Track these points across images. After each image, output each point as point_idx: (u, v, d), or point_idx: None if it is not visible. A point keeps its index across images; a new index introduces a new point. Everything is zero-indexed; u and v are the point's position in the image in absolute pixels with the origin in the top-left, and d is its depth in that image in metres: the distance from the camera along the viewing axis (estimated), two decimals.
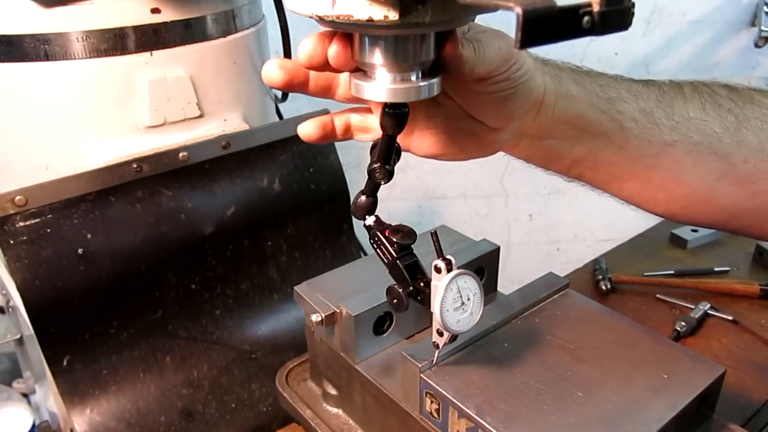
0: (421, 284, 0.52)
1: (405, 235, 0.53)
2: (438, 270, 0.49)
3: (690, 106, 0.58)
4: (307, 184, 0.89)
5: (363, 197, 0.54)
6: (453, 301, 0.49)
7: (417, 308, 0.66)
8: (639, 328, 0.61)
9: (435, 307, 0.48)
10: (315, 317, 0.62)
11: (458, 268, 0.49)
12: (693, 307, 0.95)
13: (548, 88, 0.55)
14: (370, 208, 0.55)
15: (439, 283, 0.48)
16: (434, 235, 0.50)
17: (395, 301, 0.53)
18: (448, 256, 0.49)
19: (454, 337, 0.49)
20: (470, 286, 0.49)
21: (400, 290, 0.52)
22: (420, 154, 0.58)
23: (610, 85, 0.58)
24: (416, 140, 0.57)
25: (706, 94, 0.59)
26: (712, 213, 0.62)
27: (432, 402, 0.55)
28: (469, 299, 0.49)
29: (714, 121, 0.58)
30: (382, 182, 0.53)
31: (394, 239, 0.52)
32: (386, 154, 0.52)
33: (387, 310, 0.64)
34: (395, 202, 1.90)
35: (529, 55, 0.55)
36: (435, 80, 0.48)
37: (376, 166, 0.52)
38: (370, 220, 0.54)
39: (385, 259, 0.53)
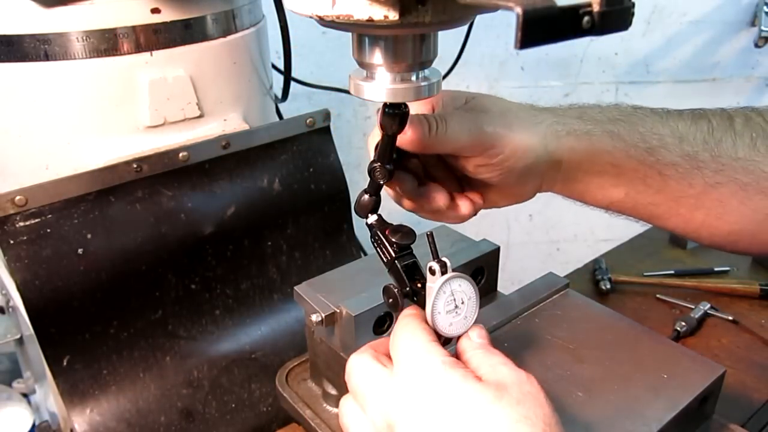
0: (418, 285, 0.51)
1: (404, 235, 0.53)
2: (432, 272, 0.48)
3: (740, 143, 0.57)
4: (307, 184, 0.89)
5: (366, 196, 0.55)
6: (446, 304, 0.48)
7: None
8: (639, 328, 0.61)
9: (427, 309, 0.48)
10: (315, 317, 0.62)
11: (455, 270, 0.49)
12: (693, 307, 0.95)
13: (571, 149, 0.55)
14: (373, 207, 0.55)
15: (432, 285, 0.48)
16: (430, 236, 0.50)
17: (390, 300, 0.53)
18: (444, 258, 0.49)
19: (447, 340, 0.49)
20: (464, 289, 0.49)
21: (396, 290, 0.52)
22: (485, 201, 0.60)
23: (654, 129, 0.57)
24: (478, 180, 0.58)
25: (758, 127, 0.57)
26: (759, 246, 0.61)
27: None
28: (463, 303, 0.49)
29: (764, 159, 0.56)
30: (382, 182, 0.53)
31: (393, 239, 0.52)
32: (386, 154, 0.52)
33: (387, 310, 0.64)
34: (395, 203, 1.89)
35: (545, 117, 0.56)
36: (435, 80, 0.48)
37: (376, 165, 0.53)
38: (372, 218, 0.54)
39: (384, 258, 0.53)
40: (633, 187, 0.58)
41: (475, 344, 0.48)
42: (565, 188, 0.59)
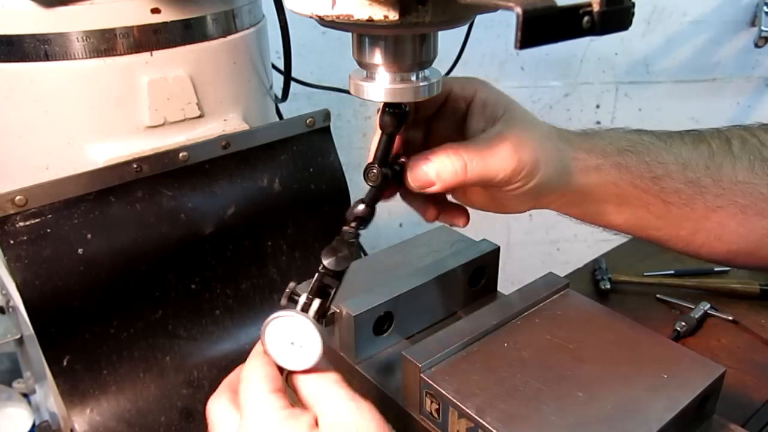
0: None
1: (338, 260, 0.53)
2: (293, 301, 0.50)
3: (738, 167, 0.58)
4: (307, 184, 0.89)
5: (361, 206, 0.53)
6: (279, 342, 0.49)
7: (417, 308, 0.66)
8: (639, 328, 0.61)
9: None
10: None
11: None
12: (693, 307, 0.94)
13: (583, 185, 0.56)
14: (364, 218, 0.53)
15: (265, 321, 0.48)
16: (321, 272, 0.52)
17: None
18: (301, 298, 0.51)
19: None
20: (298, 326, 0.49)
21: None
22: (469, 206, 0.61)
23: (659, 158, 0.58)
24: (465, 197, 0.60)
25: (755, 149, 0.58)
26: (756, 262, 0.63)
27: (432, 402, 0.55)
28: (297, 339, 0.49)
29: (761, 181, 0.58)
30: (373, 184, 0.52)
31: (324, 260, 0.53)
32: (383, 155, 0.52)
33: (387, 310, 0.64)
34: (395, 202, 1.90)
35: (569, 152, 0.56)
36: (435, 80, 0.48)
37: (372, 166, 0.52)
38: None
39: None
40: (635, 214, 0.59)
41: (313, 382, 0.48)
42: (569, 209, 0.60)
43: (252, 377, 0.48)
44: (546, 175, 0.54)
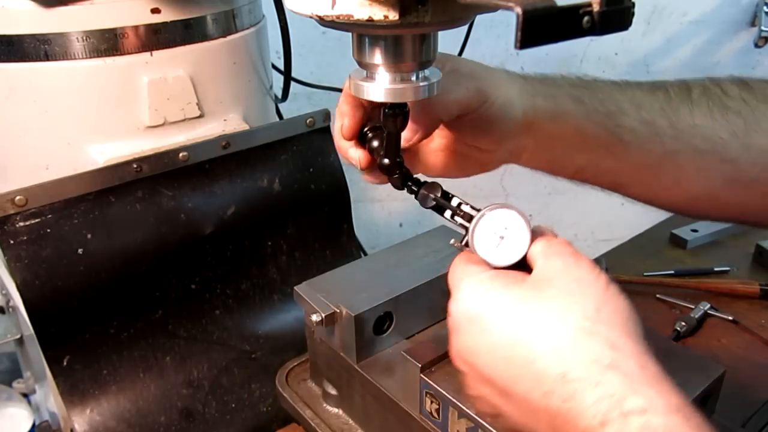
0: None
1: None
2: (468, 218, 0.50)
3: (697, 112, 0.57)
4: (307, 184, 0.89)
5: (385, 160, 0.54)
6: (488, 240, 0.48)
7: (417, 308, 0.66)
8: None
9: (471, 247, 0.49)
10: (315, 317, 0.62)
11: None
12: (693, 307, 0.94)
13: (539, 109, 0.56)
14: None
15: (469, 226, 0.49)
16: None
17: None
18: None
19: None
20: (505, 218, 0.48)
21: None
22: (427, 174, 0.60)
23: (613, 96, 0.58)
24: (422, 164, 0.60)
25: (715, 97, 0.58)
26: (719, 211, 0.63)
27: (432, 402, 0.55)
28: (506, 229, 0.48)
29: (721, 127, 0.57)
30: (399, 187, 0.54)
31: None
32: (391, 151, 0.53)
33: (387, 310, 0.64)
34: (395, 202, 1.90)
35: (517, 79, 0.56)
36: (435, 80, 0.48)
37: (385, 161, 0.53)
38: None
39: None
40: (596, 154, 0.58)
41: (536, 244, 0.47)
42: (534, 157, 0.59)
43: (455, 264, 0.48)
44: (501, 101, 0.53)
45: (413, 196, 0.55)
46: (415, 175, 0.56)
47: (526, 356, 0.40)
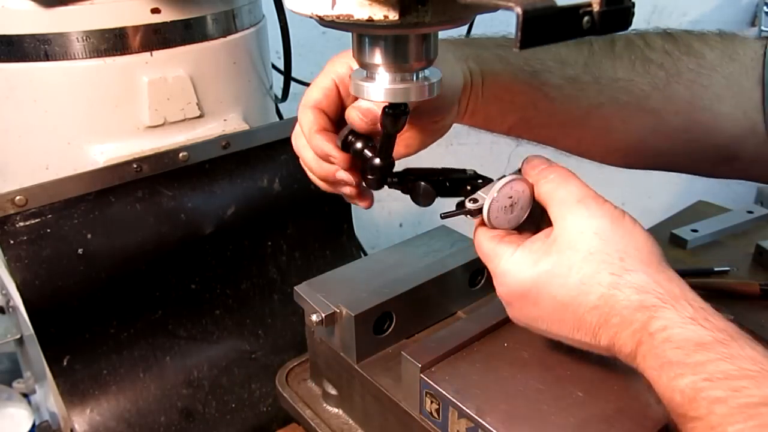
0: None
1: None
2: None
3: (619, 65, 0.60)
4: (307, 184, 0.88)
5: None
6: (501, 209, 0.52)
7: (417, 308, 0.66)
8: None
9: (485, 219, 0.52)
10: (315, 317, 0.62)
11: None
12: None
13: (473, 72, 0.57)
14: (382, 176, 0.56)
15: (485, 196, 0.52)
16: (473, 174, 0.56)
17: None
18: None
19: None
20: (515, 188, 0.52)
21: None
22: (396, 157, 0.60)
23: (536, 54, 0.60)
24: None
25: (638, 50, 0.60)
26: (647, 160, 0.66)
27: (432, 402, 0.55)
28: (517, 201, 0.52)
29: (642, 79, 0.60)
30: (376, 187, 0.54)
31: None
32: (385, 151, 0.53)
33: (387, 310, 0.64)
34: (395, 202, 1.90)
35: (448, 46, 0.57)
36: (435, 80, 0.48)
37: (377, 162, 0.53)
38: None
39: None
40: (525, 112, 0.61)
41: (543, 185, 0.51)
42: (472, 116, 0.61)
43: (489, 244, 0.52)
44: (448, 74, 0.53)
45: (401, 191, 0.55)
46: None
47: (575, 316, 0.48)
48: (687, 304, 0.47)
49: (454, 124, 0.61)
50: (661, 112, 0.60)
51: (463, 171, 0.56)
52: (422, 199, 0.56)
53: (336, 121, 0.56)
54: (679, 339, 0.44)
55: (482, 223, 0.53)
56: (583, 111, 0.60)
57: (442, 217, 0.56)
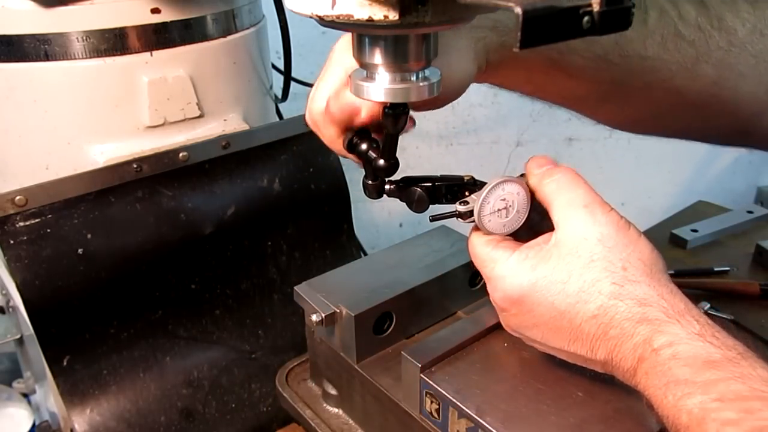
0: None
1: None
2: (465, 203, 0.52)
3: (649, 42, 0.58)
4: (307, 184, 0.89)
5: (369, 181, 0.56)
6: (492, 212, 0.51)
7: (417, 308, 0.66)
8: None
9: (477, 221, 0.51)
10: (315, 317, 0.62)
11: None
12: None
13: (490, 59, 0.56)
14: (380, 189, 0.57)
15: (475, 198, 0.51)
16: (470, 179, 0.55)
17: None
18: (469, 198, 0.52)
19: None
20: (509, 191, 0.52)
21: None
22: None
23: None
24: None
25: (670, 24, 0.58)
26: (659, 130, 0.65)
27: (432, 402, 0.55)
28: (513, 203, 0.52)
29: (671, 57, 0.58)
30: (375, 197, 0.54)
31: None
32: (388, 151, 0.53)
33: (387, 310, 0.64)
34: (395, 203, 1.90)
35: (464, 30, 0.55)
36: (435, 80, 0.48)
37: (381, 162, 0.53)
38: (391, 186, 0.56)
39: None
40: (541, 86, 0.60)
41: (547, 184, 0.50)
42: (486, 78, 0.60)
43: (483, 249, 0.51)
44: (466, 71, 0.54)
45: (398, 199, 0.55)
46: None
47: (571, 325, 0.46)
48: (693, 319, 0.44)
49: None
50: (684, 90, 0.59)
51: (461, 178, 0.56)
52: (416, 206, 0.55)
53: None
54: (687, 356, 0.41)
55: (477, 229, 0.52)
56: (603, 88, 0.59)
57: (431, 220, 0.56)
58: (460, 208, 0.52)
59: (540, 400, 0.52)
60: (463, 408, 0.52)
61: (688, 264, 1.08)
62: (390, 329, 0.65)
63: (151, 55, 0.73)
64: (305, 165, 0.88)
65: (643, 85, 0.58)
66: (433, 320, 0.69)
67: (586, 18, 0.35)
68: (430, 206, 0.56)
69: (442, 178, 0.56)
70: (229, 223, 0.82)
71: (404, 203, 0.59)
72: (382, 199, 0.56)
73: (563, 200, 0.48)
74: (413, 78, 0.47)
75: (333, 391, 0.69)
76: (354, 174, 0.97)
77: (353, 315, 0.61)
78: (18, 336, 0.88)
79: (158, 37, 0.72)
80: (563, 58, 0.56)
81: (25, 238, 0.68)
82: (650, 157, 1.83)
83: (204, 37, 0.76)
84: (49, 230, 0.69)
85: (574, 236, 0.47)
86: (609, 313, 0.45)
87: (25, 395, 1.03)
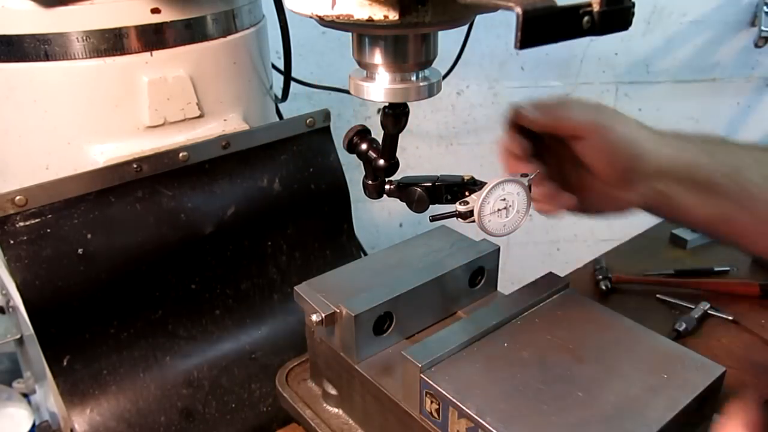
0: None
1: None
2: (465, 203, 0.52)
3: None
4: (307, 184, 0.89)
5: (369, 181, 0.56)
6: (492, 211, 0.52)
7: (417, 308, 0.66)
8: (639, 328, 0.61)
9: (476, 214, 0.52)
10: (315, 317, 0.62)
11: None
12: (693, 307, 0.94)
13: (675, 159, 0.59)
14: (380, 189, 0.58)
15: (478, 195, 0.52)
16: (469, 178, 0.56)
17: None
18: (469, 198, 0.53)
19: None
20: (509, 190, 0.53)
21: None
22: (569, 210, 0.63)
23: (737, 152, 0.62)
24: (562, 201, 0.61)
25: None
26: None
27: (432, 402, 0.55)
28: (513, 203, 0.52)
29: None
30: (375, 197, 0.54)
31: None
32: (387, 152, 0.53)
33: (387, 310, 0.64)
34: (395, 203, 1.90)
35: (641, 127, 0.60)
36: (435, 80, 0.48)
37: (381, 162, 0.53)
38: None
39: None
40: (725, 204, 0.61)
41: None
42: (663, 203, 0.62)
43: None
44: (619, 133, 0.58)
45: (399, 199, 0.56)
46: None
47: None
48: None
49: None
50: None
51: (461, 177, 0.56)
52: (416, 206, 0.56)
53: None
54: None
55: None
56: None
57: (431, 220, 0.56)
58: (460, 208, 0.52)
59: (540, 400, 0.52)
60: (463, 408, 0.52)
61: (688, 264, 1.08)
62: (390, 329, 0.65)
63: (151, 55, 0.73)
64: (305, 165, 0.88)
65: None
66: (433, 320, 0.69)
67: (586, 18, 0.35)
68: (430, 206, 0.56)
69: (442, 178, 0.56)
70: (229, 223, 0.82)
71: (404, 203, 0.59)
72: (382, 199, 0.57)
73: None
74: (413, 78, 0.47)
75: (333, 391, 0.69)
76: (354, 174, 0.97)
77: (353, 315, 0.61)
78: (18, 336, 0.88)
79: (158, 37, 0.72)
80: (741, 172, 0.60)
81: (25, 238, 0.68)
82: None
83: (204, 37, 0.76)
84: (49, 230, 0.69)
85: None
86: None
87: (25, 395, 1.03)
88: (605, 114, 0.59)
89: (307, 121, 0.87)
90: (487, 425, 0.50)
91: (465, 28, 1.01)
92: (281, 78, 0.99)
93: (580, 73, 1.80)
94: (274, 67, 0.97)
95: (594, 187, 0.61)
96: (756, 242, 0.63)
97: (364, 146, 0.54)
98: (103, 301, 0.73)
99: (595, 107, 0.59)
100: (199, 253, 0.80)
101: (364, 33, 0.46)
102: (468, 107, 1.72)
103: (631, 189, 0.60)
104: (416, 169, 1.90)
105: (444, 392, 0.53)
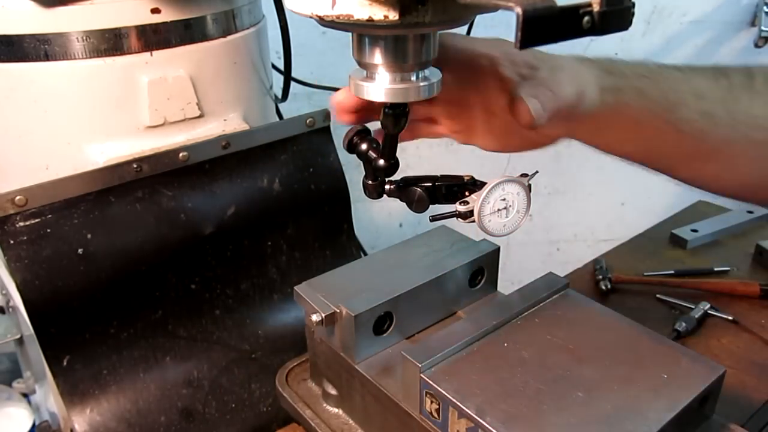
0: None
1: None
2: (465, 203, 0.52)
3: (756, 103, 0.57)
4: (307, 184, 0.89)
5: (369, 181, 0.56)
6: (493, 211, 0.51)
7: (417, 308, 0.66)
8: (639, 328, 0.61)
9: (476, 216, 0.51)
10: (315, 317, 0.62)
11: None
12: (693, 307, 0.94)
13: (604, 105, 0.55)
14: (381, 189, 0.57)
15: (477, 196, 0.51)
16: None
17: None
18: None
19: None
20: (509, 190, 0.52)
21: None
22: (485, 149, 0.61)
23: (675, 86, 0.58)
24: (479, 139, 0.60)
25: None
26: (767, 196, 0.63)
27: (432, 402, 0.55)
28: (513, 203, 0.52)
29: None
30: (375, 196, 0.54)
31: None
32: (387, 151, 0.53)
33: (387, 310, 0.64)
34: (395, 203, 1.90)
35: (592, 69, 0.56)
36: (435, 80, 0.48)
37: (381, 162, 0.53)
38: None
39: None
40: (650, 143, 0.59)
41: None
42: (588, 138, 0.60)
43: None
44: (589, 98, 0.54)
45: (399, 199, 0.56)
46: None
47: None
48: None
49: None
50: None
51: (461, 177, 0.56)
52: (416, 206, 0.55)
53: None
54: None
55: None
56: (711, 146, 0.58)
57: (431, 220, 0.56)
58: (460, 208, 0.52)
59: (540, 400, 0.52)
60: (463, 408, 0.52)
61: (688, 264, 1.08)
62: (390, 329, 0.65)
63: (151, 55, 0.73)
64: (305, 165, 0.88)
65: (751, 146, 0.57)
66: (433, 320, 0.69)
67: (586, 18, 0.35)
68: (430, 206, 0.56)
69: (442, 178, 0.56)
70: (229, 223, 0.82)
71: (404, 203, 0.59)
72: (382, 199, 0.57)
73: None
74: (413, 78, 0.47)
75: (333, 391, 0.69)
76: (354, 174, 0.97)
77: (353, 315, 0.61)
78: (18, 336, 0.88)
79: (158, 37, 0.72)
80: (674, 111, 0.56)
81: (25, 238, 0.68)
82: None
83: (204, 37, 0.76)
84: (49, 230, 0.69)
85: None
86: None
87: (25, 395, 1.03)
88: (573, 83, 0.55)
89: (307, 121, 0.87)
90: (487, 425, 0.50)
91: (465, 28, 1.01)
92: (281, 78, 0.99)
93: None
94: (274, 67, 0.97)
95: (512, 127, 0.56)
96: (678, 171, 0.62)
97: (364, 146, 0.54)
98: (103, 301, 0.73)
99: (561, 80, 0.54)
100: (199, 253, 0.80)
101: (364, 33, 0.46)
102: None
103: (561, 128, 0.58)
104: (416, 169, 1.90)
105: (444, 392, 0.53)
